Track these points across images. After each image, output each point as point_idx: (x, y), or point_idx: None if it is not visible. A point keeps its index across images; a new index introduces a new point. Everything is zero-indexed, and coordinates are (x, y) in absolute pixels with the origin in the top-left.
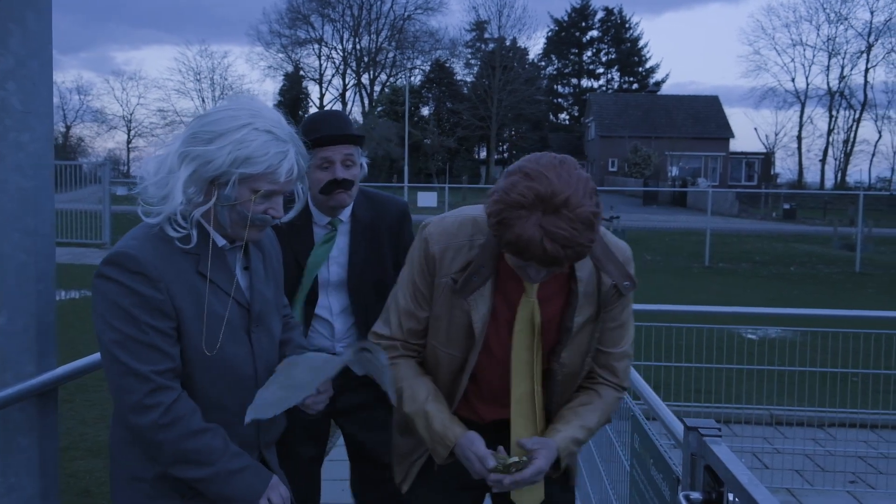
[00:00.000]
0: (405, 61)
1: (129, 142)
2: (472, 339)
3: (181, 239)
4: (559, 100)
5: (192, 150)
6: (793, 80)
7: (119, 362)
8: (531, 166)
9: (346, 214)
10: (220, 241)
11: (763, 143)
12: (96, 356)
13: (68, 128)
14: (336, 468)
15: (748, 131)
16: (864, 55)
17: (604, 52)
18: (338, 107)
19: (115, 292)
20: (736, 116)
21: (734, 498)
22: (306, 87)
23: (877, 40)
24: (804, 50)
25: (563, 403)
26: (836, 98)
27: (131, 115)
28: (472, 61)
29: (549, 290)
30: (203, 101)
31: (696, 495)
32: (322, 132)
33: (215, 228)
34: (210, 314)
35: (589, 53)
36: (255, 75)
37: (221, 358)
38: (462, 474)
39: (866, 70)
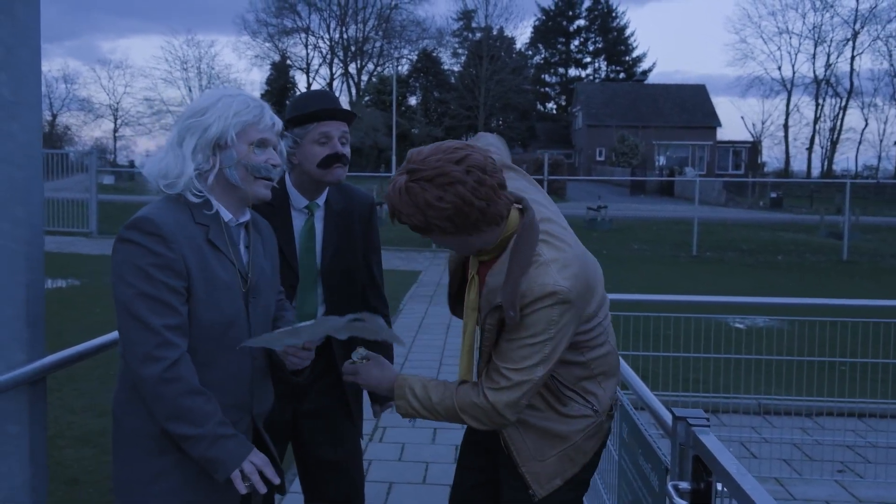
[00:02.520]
0: (392, 51)
1: (115, 130)
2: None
3: (202, 204)
4: (546, 89)
5: (189, 125)
6: (779, 68)
7: (132, 315)
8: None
9: (321, 199)
10: (227, 216)
11: (750, 132)
12: (86, 345)
13: (54, 116)
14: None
15: (735, 120)
16: (850, 43)
17: (591, 41)
18: None
19: (132, 252)
20: (723, 105)
21: (722, 487)
22: (293, 77)
23: (862, 28)
24: (790, 38)
25: None
26: (822, 86)
27: (118, 103)
28: (460, 51)
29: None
30: (190, 90)
31: (684, 485)
32: (318, 107)
33: (223, 201)
34: (214, 279)
35: (576, 43)
36: (242, 64)
37: (220, 321)
38: None
39: (852, 58)
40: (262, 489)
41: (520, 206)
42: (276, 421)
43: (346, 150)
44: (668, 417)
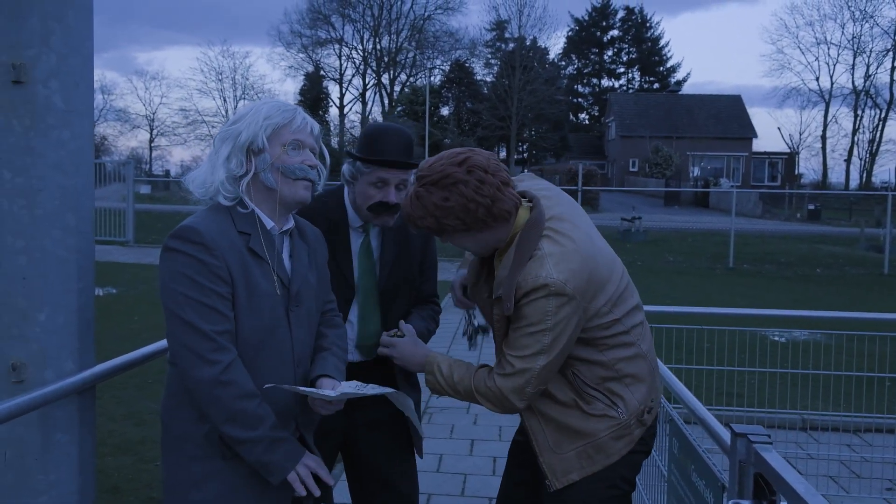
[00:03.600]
0: (425, 61)
1: (151, 140)
2: None
3: (242, 210)
4: (579, 100)
5: (223, 134)
6: (817, 79)
7: (184, 322)
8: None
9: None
10: (269, 224)
11: (787, 143)
12: (134, 354)
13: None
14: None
15: (771, 131)
16: (891, 53)
17: (624, 51)
18: (357, 107)
19: (179, 261)
20: (759, 116)
21: None
22: (326, 87)
23: None
24: (828, 48)
25: None
26: (861, 97)
27: (154, 114)
28: (492, 61)
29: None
30: (224, 100)
31: (746, 503)
32: (386, 155)
33: (264, 207)
34: (255, 286)
35: (609, 53)
36: (276, 75)
37: (261, 328)
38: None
39: (892, 68)
40: (317, 492)
41: (530, 204)
42: (330, 430)
43: (401, 197)
44: (725, 433)
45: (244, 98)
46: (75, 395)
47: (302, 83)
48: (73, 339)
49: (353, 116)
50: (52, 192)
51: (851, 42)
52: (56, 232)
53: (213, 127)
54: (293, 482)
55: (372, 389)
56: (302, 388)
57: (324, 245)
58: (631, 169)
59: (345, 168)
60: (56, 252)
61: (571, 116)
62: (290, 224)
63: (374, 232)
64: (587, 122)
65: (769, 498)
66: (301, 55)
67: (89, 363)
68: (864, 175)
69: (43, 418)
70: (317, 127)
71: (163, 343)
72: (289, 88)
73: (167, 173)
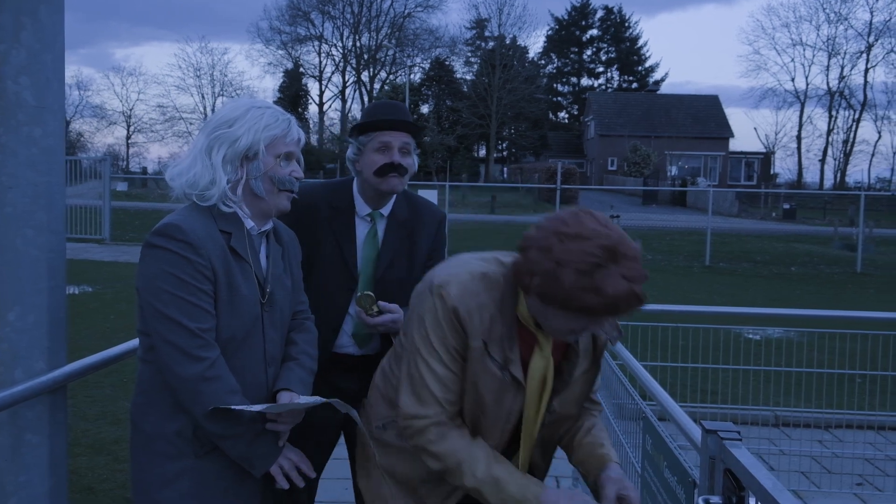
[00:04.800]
0: (405, 59)
1: (128, 137)
2: (498, 399)
3: (229, 214)
4: (559, 98)
5: (218, 135)
6: (792, 79)
7: (169, 319)
8: (571, 228)
9: (386, 210)
10: (249, 224)
11: (763, 143)
12: (107, 353)
13: (68, 123)
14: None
15: (748, 131)
16: (864, 55)
17: (603, 50)
18: (337, 104)
19: (163, 258)
20: (735, 116)
21: (756, 502)
22: (306, 84)
23: (876, 40)
24: (804, 50)
25: (545, 444)
26: (835, 98)
27: (131, 110)
28: (472, 59)
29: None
30: (203, 97)
31: (715, 499)
32: (381, 116)
33: (247, 211)
34: (236, 285)
35: (589, 52)
36: (255, 72)
37: (238, 328)
38: None
39: (866, 70)
40: (301, 483)
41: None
42: (325, 426)
43: (407, 161)
44: (696, 430)
45: (223, 94)
46: (46, 394)
47: (281, 80)
48: (44, 338)
49: (333, 114)
50: (23, 189)
51: (826, 44)
52: (27, 230)
53: (190, 123)
54: (276, 475)
55: (312, 401)
56: (254, 407)
57: (297, 246)
58: (609, 168)
59: (348, 153)
60: (27, 251)
61: (551, 115)
62: (269, 225)
63: (381, 223)
64: (566, 120)
65: (738, 494)
66: (280, 52)
67: (60, 362)
68: (839, 175)
69: (13, 418)
70: (303, 137)
71: (135, 342)
72: (268, 85)
73: (144, 170)
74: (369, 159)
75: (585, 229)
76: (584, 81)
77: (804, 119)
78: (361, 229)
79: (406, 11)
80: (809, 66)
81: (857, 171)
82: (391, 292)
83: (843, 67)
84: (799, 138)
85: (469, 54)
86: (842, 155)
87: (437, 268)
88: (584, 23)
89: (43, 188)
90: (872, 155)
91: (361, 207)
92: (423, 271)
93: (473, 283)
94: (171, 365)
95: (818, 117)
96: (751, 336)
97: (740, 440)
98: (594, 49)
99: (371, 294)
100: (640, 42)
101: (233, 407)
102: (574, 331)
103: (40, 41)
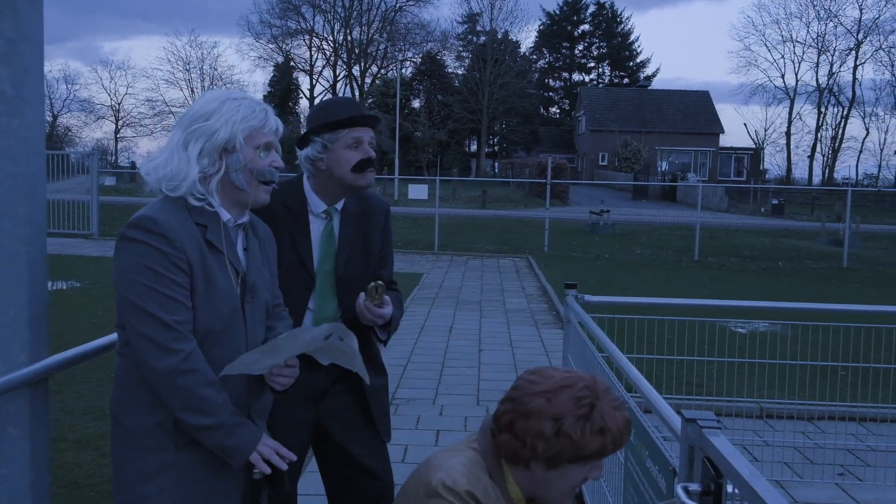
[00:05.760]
0: (396, 53)
1: (116, 131)
2: None
3: (203, 207)
4: (550, 93)
5: (194, 129)
6: (782, 76)
7: (144, 312)
8: (547, 383)
9: (339, 205)
10: (225, 217)
11: (752, 139)
12: (88, 345)
13: (55, 117)
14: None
15: (738, 127)
16: (853, 52)
17: (595, 46)
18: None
19: (138, 251)
20: (725, 112)
21: (734, 489)
22: (296, 78)
23: (865, 38)
24: (794, 46)
25: None
26: (824, 95)
27: (119, 104)
28: (464, 54)
29: None
30: (192, 90)
31: (694, 487)
32: (351, 113)
33: (225, 201)
34: (213, 278)
35: (580, 47)
36: (245, 66)
37: (217, 320)
38: None
39: (854, 67)
40: (283, 466)
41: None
42: (300, 423)
43: (373, 155)
44: (676, 420)
45: (213, 89)
46: (27, 387)
47: (272, 74)
48: (25, 331)
49: None
50: (1, 181)
51: (816, 40)
52: (6, 223)
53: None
54: (256, 462)
55: (315, 332)
56: (254, 352)
57: (273, 241)
58: (600, 163)
59: (308, 151)
60: (6, 243)
61: (542, 110)
62: (246, 218)
63: (336, 218)
64: (558, 115)
65: (716, 481)
66: (271, 46)
67: (41, 355)
68: (827, 171)
69: None
70: (281, 126)
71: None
72: (258, 79)
73: (133, 165)
74: (341, 156)
75: (561, 379)
76: (576, 77)
77: (793, 115)
78: (316, 227)
79: (397, 5)
80: (799, 63)
81: (845, 168)
82: (351, 288)
83: (832, 64)
84: (788, 134)
85: (460, 49)
86: (830, 151)
87: (411, 480)
88: (575, 18)
89: (21, 180)
90: (860, 151)
91: (316, 205)
92: (377, 266)
93: (470, 468)
94: (146, 358)
95: (807, 114)
96: (739, 330)
97: (719, 429)
98: (586, 44)
99: (383, 283)
100: (632, 38)
101: (242, 370)
102: (576, 485)
103: (18, 32)
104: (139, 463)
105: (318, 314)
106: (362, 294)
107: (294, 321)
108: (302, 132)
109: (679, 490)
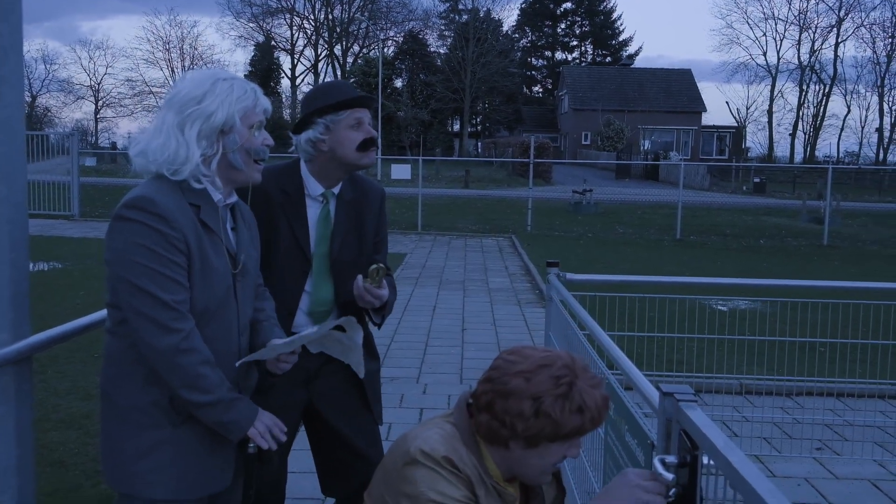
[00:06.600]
0: (378, 32)
1: (97, 112)
2: None
3: (195, 187)
4: (533, 72)
5: (189, 112)
6: (764, 54)
7: (144, 292)
8: (526, 363)
9: (336, 189)
10: (216, 196)
11: (734, 117)
12: (72, 324)
13: (34, 98)
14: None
15: (720, 105)
16: (835, 30)
17: (577, 24)
18: (310, 79)
19: (136, 231)
20: (708, 90)
21: (709, 461)
22: (278, 58)
23: (847, 15)
24: (776, 24)
25: None
26: (806, 72)
27: (99, 84)
28: (446, 33)
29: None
30: (172, 70)
31: (671, 459)
32: (348, 95)
33: (220, 182)
34: (208, 258)
35: (563, 26)
36: (226, 45)
37: (212, 299)
38: None
39: (836, 45)
40: (274, 446)
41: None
42: (291, 403)
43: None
44: (655, 394)
45: (193, 68)
46: (10, 366)
47: (252, 54)
48: (7, 310)
49: (306, 88)
50: None
51: (798, 17)
52: None
53: (160, 98)
54: (254, 437)
55: (323, 327)
56: (273, 344)
57: (254, 222)
58: (583, 142)
59: (309, 134)
60: None
61: (525, 89)
62: (233, 198)
63: (332, 202)
64: (540, 94)
65: (692, 453)
66: (251, 25)
67: (24, 334)
68: (808, 149)
69: None
70: (270, 106)
71: (102, 314)
72: (239, 59)
73: (114, 145)
74: (344, 136)
75: (539, 359)
76: (558, 55)
77: (775, 93)
78: (313, 210)
79: None
80: (781, 41)
81: (827, 146)
82: (347, 270)
83: (813, 41)
84: (770, 112)
85: (443, 28)
86: (811, 129)
87: (388, 455)
88: None
89: (2, 160)
90: (842, 129)
91: (314, 188)
92: (371, 251)
93: (447, 438)
94: (146, 337)
95: (789, 92)
96: (720, 307)
97: (695, 402)
98: (568, 23)
99: (383, 266)
100: (614, 16)
101: (253, 357)
102: (553, 464)
103: None
104: (134, 441)
105: (314, 297)
106: (360, 276)
107: (291, 304)
108: (284, 113)
109: (656, 462)
